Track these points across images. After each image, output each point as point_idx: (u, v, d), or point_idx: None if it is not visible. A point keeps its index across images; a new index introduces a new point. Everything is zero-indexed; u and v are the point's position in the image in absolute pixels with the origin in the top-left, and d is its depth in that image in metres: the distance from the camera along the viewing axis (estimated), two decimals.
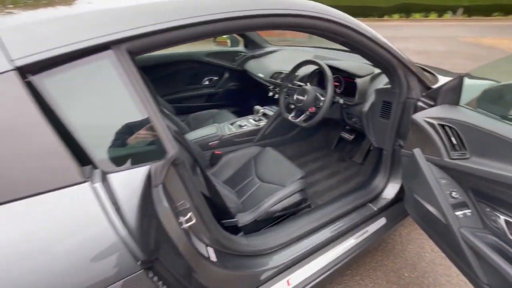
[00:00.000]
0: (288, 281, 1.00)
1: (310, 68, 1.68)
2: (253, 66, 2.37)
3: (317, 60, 1.50)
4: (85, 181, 0.52)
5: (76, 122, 0.54)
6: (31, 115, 0.49)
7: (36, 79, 0.51)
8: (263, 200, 1.21)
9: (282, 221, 1.23)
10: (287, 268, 1.02)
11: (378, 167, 1.40)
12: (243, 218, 1.15)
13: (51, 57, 0.52)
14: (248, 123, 1.87)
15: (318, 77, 1.68)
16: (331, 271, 1.11)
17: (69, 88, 0.55)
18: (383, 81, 1.42)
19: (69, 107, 0.54)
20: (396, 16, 13.51)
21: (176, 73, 2.40)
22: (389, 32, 8.98)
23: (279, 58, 2.33)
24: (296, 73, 1.69)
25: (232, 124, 1.87)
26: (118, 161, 0.59)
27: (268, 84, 2.09)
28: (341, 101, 1.53)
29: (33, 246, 0.49)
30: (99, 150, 0.57)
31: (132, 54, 0.61)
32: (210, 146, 1.72)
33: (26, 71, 0.50)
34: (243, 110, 2.29)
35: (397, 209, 1.35)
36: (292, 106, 1.61)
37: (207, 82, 2.61)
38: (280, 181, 1.36)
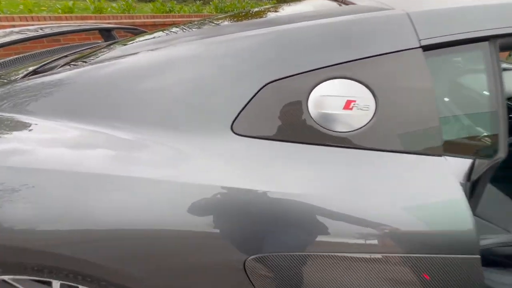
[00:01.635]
0: None
1: None
2: None
3: None
4: (441, 155, 0.59)
5: (438, 96, 0.61)
6: (426, 80, 0.59)
7: (427, 55, 0.60)
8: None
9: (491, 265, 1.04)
10: None
11: None
12: None
13: (440, 42, 0.61)
14: None
15: None
16: None
17: (443, 66, 0.62)
18: None
19: (439, 81, 0.61)
20: None
21: None
22: None
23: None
24: None
25: None
26: (455, 147, 0.63)
27: None
28: None
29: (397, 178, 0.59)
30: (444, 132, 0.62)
31: (501, 49, 0.62)
32: None
33: (425, 49, 0.60)
34: None
35: None
36: None
37: None
38: (504, 224, 1.14)
